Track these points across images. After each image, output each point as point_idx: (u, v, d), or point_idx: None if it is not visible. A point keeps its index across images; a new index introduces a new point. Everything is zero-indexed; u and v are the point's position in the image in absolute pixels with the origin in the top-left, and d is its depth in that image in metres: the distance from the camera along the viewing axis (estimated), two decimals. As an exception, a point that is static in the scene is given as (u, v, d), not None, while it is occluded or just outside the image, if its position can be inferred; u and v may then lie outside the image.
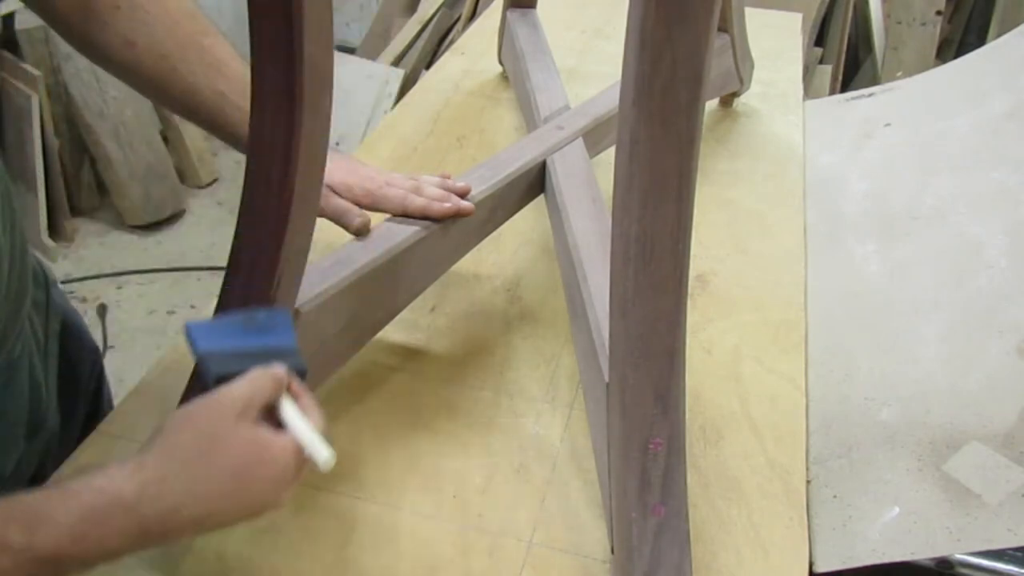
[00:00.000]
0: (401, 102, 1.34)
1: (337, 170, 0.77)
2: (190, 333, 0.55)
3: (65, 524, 0.45)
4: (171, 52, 0.71)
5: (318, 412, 0.55)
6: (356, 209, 0.77)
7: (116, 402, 0.82)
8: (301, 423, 0.53)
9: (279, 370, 0.54)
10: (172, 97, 0.74)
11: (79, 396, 0.85)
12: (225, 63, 0.73)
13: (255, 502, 0.50)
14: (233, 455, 0.49)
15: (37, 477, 0.75)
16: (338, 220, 0.76)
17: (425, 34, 2.70)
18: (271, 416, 0.53)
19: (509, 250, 1.00)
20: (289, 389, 0.54)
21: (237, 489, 0.50)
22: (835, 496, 0.76)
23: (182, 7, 0.73)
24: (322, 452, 0.52)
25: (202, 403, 0.51)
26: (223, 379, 0.53)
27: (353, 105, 2.60)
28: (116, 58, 0.72)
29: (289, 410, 0.54)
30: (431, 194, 0.78)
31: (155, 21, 0.71)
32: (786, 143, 1.23)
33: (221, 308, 0.65)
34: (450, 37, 2.71)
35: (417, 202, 0.77)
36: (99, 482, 0.47)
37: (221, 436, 0.49)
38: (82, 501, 0.46)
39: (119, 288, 2.42)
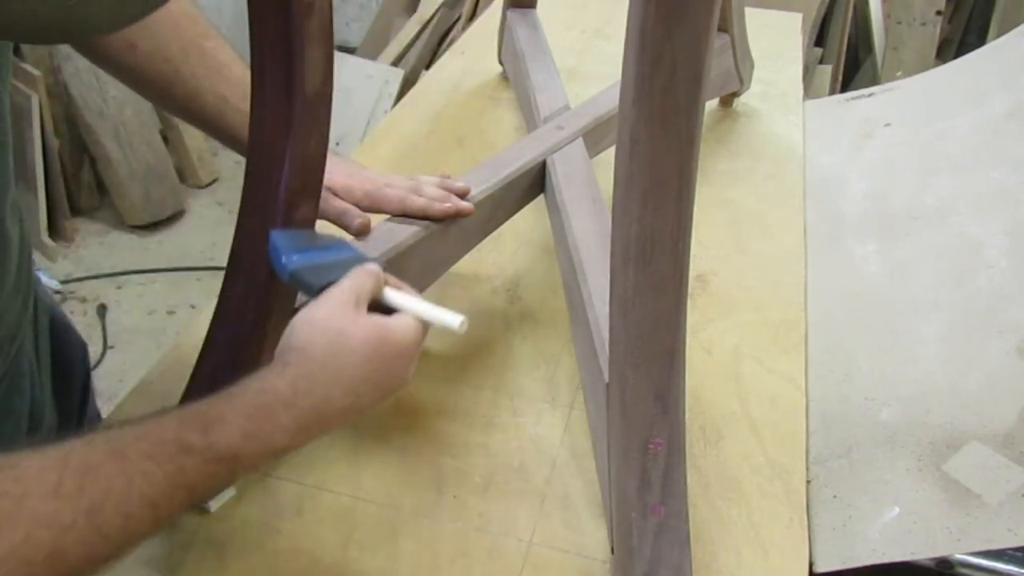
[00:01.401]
0: (401, 102, 1.34)
1: (337, 172, 0.77)
2: (277, 251, 0.59)
3: (235, 423, 0.48)
4: (173, 55, 0.72)
5: (415, 295, 0.60)
6: (356, 210, 0.77)
7: (116, 402, 0.82)
8: (416, 302, 0.58)
9: (371, 266, 0.58)
10: (173, 100, 0.74)
11: (73, 392, 0.85)
12: (227, 66, 0.73)
13: (389, 382, 0.55)
14: (362, 341, 0.53)
15: None
16: (338, 221, 0.76)
17: (425, 34, 2.70)
18: (378, 309, 0.57)
19: (509, 250, 1.00)
20: (387, 282, 0.59)
21: (372, 371, 0.54)
22: (835, 496, 0.76)
23: (184, 10, 0.73)
24: (452, 317, 0.57)
25: (316, 307, 0.54)
26: (325, 289, 0.57)
27: (353, 105, 2.60)
28: (117, 60, 0.72)
29: (397, 295, 0.59)
30: (430, 194, 0.78)
31: (157, 24, 0.71)
32: (786, 143, 1.23)
33: (221, 308, 0.65)
34: (450, 37, 2.71)
35: (417, 202, 0.77)
36: (255, 384, 0.51)
37: (347, 328, 0.53)
38: (246, 401, 0.49)
39: (119, 288, 2.42)
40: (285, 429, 0.50)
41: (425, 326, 0.57)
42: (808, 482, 0.76)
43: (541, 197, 0.92)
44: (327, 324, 0.54)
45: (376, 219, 0.78)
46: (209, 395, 0.51)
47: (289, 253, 0.59)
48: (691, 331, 0.60)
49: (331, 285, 0.57)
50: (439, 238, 0.79)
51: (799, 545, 0.69)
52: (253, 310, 0.64)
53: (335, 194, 0.77)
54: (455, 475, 0.74)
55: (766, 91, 1.34)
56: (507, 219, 0.89)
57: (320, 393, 0.52)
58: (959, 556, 0.74)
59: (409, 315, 0.57)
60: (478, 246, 0.86)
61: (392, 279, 0.60)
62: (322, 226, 0.69)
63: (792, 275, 0.99)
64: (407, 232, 0.76)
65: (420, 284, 0.80)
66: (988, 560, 0.75)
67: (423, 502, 0.72)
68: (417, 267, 0.78)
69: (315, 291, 0.57)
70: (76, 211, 2.64)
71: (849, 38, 2.60)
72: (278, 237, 0.60)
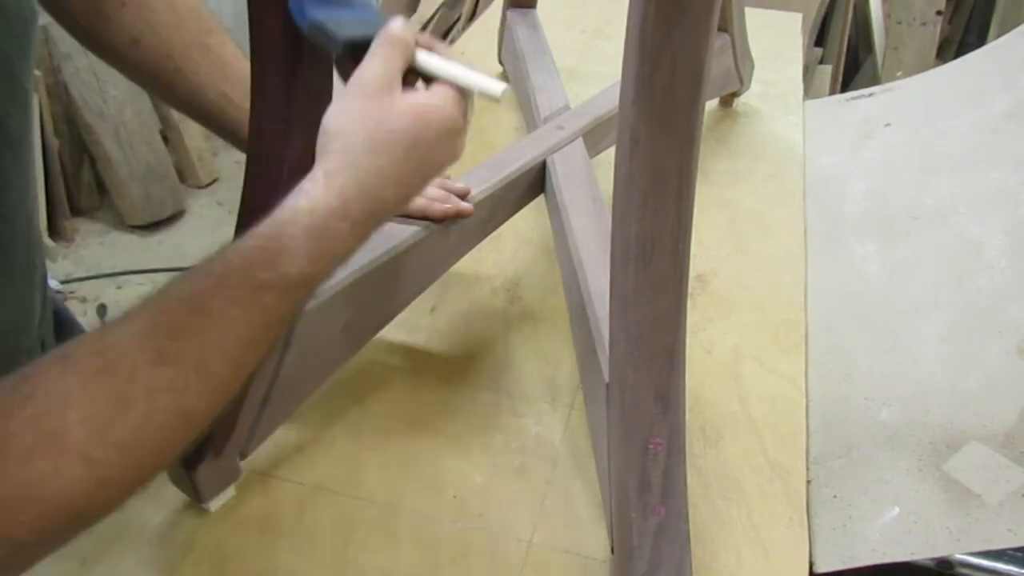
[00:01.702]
0: (401, 102, 1.34)
1: None
2: (300, 3, 0.54)
3: (299, 248, 0.48)
4: (175, 51, 0.72)
5: (451, 55, 0.56)
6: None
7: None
8: (453, 67, 0.54)
9: (399, 30, 0.53)
10: (175, 96, 0.74)
11: None
12: (229, 63, 0.73)
13: (440, 160, 0.53)
14: (404, 129, 0.51)
15: None
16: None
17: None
18: (412, 76, 0.54)
19: (509, 250, 1.00)
20: (418, 43, 0.54)
21: (421, 157, 0.51)
22: (835, 496, 0.76)
23: (188, 5, 0.73)
24: (491, 84, 0.54)
25: (350, 99, 0.51)
26: (351, 43, 0.53)
27: (353, 105, 2.60)
28: (120, 55, 0.72)
29: (432, 60, 0.54)
30: (430, 194, 0.78)
31: (160, 19, 0.71)
32: (786, 143, 1.23)
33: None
34: (450, 37, 2.71)
35: (416, 202, 0.77)
36: (304, 203, 0.49)
37: (385, 118, 0.51)
38: (302, 226, 0.48)
39: (119, 288, 2.42)
40: (346, 238, 0.50)
41: (466, 93, 0.54)
42: (808, 482, 0.76)
43: (541, 197, 0.92)
44: (365, 117, 0.51)
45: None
46: (258, 226, 0.49)
47: (312, 5, 0.54)
48: (691, 331, 0.60)
49: (355, 41, 0.52)
50: (439, 238, 0.79)
51: (799, 545, 0.69)
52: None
53: None
54: (455, 475, 0.74)
55: (766, 91, 1.34)
56: (507, 219, 0.89)
57: (372, 194, 0.50)
58: (959, 556, 0.74)
59: (447, 84, 0.53)
60: (478, 246, 0.86)
61: (423, 37, 0.55)
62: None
63: (792, 275, 0.99)
64: (407, 232, 0.76)
65: (420, 284, 0.80)
66: (988, 560, 0.75)
67: (423, 502, 0.72)
68: (417, 267, 0.78)
69: (340, 43, 0.53)
70: (76, 211, 2.64)
71: (849, 38, 2.60)
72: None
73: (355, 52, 0.53)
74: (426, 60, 0.54)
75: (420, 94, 0.52)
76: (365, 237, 0.51)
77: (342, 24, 0.53)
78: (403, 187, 0.52)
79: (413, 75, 0.54)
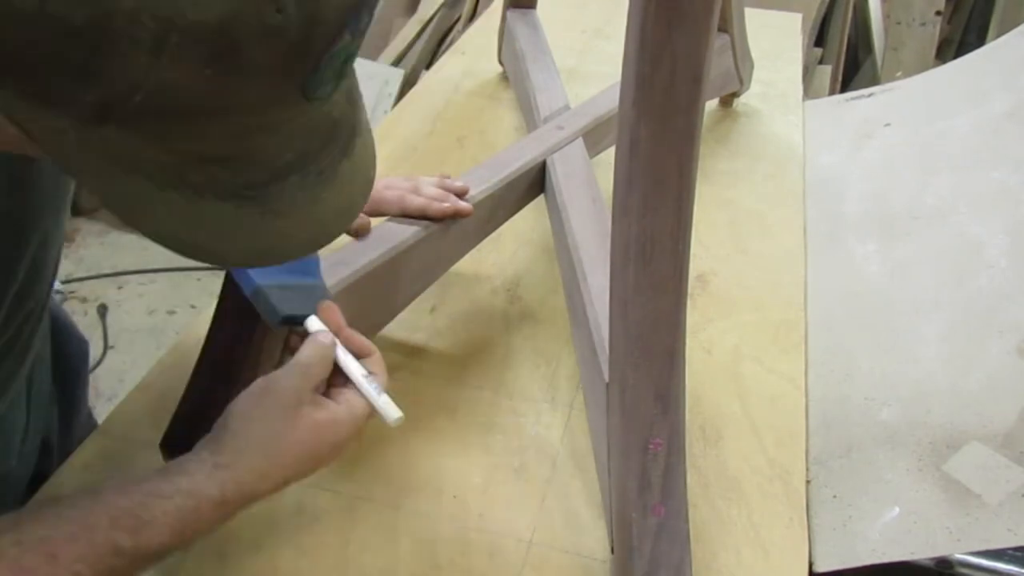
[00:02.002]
0: (401, 102, 1.34)
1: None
2: (242, 273, 0.59)
3: (165, 525, 0.50)
4: None
5: (379, 360, 0.60)
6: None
7: (116, 402, 0.82)
8: (361, 382, 0.57)
9: (323, 341, 0.57)
10: None
11: (75, 390, 0.85)
12: None
13: (323, 462, 0.56)
14: (301, 440, 0.54)
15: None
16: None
17: (425, 34, 2.70)
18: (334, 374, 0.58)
19: (509, 250, 1.00)
20: (342, 336, 0.59)
21: (308, 460, 0.55)
22: (835, 496, 0.76)
23: None
24: (389, 410, 0.57)
25: (260, 397, 0.55)
26: (289, 318, 0.58)
27: (353, 105, 2.60)
28: None
29: (349, 366, 0.58)
30: (429, 194, 0.78)
31: None
32: (786, 143, 1.23)
33: (221, 308, 0.65)
34: (450, 37, 2.71)
35: (415, 202, 0.77)
36: (185, 484, 0.51)
37: (286, 432, 0.54)
38: (176, 504, 0.50)
39: (119, 288, 2.42)
40: (213, 522, 0.52)
41: (367, 408, 0.58)
42: (808, 482, 0.76)
43: (541, 197, 0.92)
44: (267, 426, 0.54)
45: (376, 219, 0.78)
46: (138, 488, 0.50)
47: (257, 269, 0.59)
48: (691, 331, 0.60)
49: (293, 317, 0.58)
50: (439, 238, 0.79)
51: (799, 545, 0.69)
52: (251, 312, 0.64)
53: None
54: (455, 475, 0.74)
55: (766, 91, 1.34)
56: (507, 219, 0.89)
57: (249, 489, 0.53)
58: (959, 556, 0.74)
59: (355, 395, 0.57)
60: (478, 246, 0.86)
61: (348, 333, 0.60)
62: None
63: (792, 275, 0.99)
64: (407, 232, 0.76)
65: (420, 284, 0.80)
66: (988, 560, 0.75)
67: (423, 502, 0.72)
68: (417, 267, 0.78)
69: (279, 319, 0.58)
70: (77, 211, 2.63)
71: (849, 38, 2.60)
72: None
73: (292, 324, 0.60)
74: (344, 363, 0.58)
75: (326, 411, 0.55)
76: (230, 519, 0.53)
77: (285, 295, 0.59)
78: (284, 481, 0.54)
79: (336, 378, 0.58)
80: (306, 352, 0.56)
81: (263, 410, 0.54)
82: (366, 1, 0.38)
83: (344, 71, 0.40)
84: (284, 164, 0.41)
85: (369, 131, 0.47)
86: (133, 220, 0.40)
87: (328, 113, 0.41)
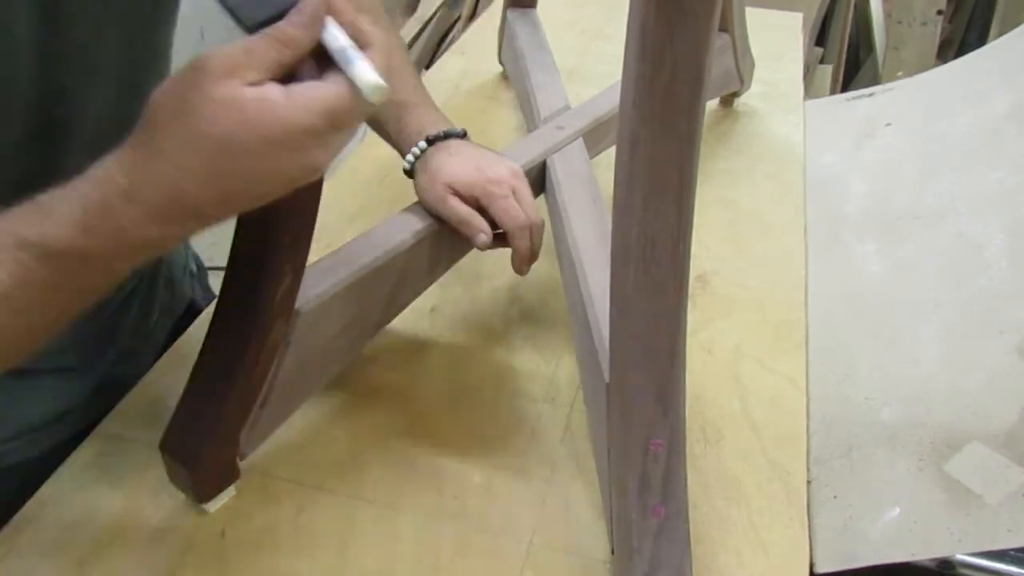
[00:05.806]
0: (401, 102, 1.34)
1: (462, 167, 0.71)
2: None
3: (70, 215, 0.43)
4: None
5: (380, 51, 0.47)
6: (480, 222, 0.73)
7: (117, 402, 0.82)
8: (343, 52, 0.45)
9: (295, 22, 0.45)
10: None
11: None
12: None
13: (276, 168, 0.45)
14: (211, 121, 0.43)
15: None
16: (459, 228, 0.74)
17: (425, 34, 2.70)
18: (318, 64, 0.46)
19: (509, 250, 1.00)
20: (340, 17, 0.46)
21: (237, 160, 0.44)
22: (836, 496, 0.76)
23: None
24: (367, 78, 0.44)
25: (183, 73, 0.44)
26: (259, 25, 0.46)
27: (353, 105, 2.59)
28: None
29: (336, 39, 0.45)
30: (524, 219, 0.74)
31: None
32: (786, 143, 1.23)
33: (221, 308, 0.65)
34: (450, 37, 2.71)
35: (518, 237, 0.74)
36: (95, 173, 0.44)
37: (194, 104, 0.43)
38: (81, 193, 0.44)
39: (119, 288, 2.42)
40: (134, 222, 0.44)
41: (342, 96, 0.45)
42: (808, 482, 0.76)
43: (541, 197, 0.92)
44: (176, 98, 0.43)
45: (376, 220, 0.78)
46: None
47: None
48: (691, 331, 0.60)
49: (263, 23, 0.45)
50: (439, 238, 0.79)
51: (799, 545, 0.69)
52: (251, 312, 0.64)
53: (456, 193, 0.73)
54: (455, 475, 0.74)
55: (766, 91, 1.34)
56: (507, 219, 0.89)
57: (166, 182, 0.43)
58: (960, 556, 0.74)
59: (334, 81, 0.45)
60: (478, 246, 0.86)
61: (348, 13, 0.46)
62: (322, 225, 0.69)
63: (792, 275, 0.99)
64: (407, 233, 0.76)
65: (420, 284, 0.80)
66: (989, 561, 0.75)
67: (423, 502, 0.72)
68: (417, 267, 0.78)
69: (249, 28, 0.46)
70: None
71: (850, 38, 2.60)
72: None
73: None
74: (332, 37, 0.46)
75: (273, 90, 0.44)
76: (172, 231, 0.45)
77: (260, 4, 0.46)
78: (213, 186, 0.44)
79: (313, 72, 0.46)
80: (269, 30, 0.45)
81: (185, 84, 0.44)
82: None
83: None
84: None
85: None
86: None
87: None
